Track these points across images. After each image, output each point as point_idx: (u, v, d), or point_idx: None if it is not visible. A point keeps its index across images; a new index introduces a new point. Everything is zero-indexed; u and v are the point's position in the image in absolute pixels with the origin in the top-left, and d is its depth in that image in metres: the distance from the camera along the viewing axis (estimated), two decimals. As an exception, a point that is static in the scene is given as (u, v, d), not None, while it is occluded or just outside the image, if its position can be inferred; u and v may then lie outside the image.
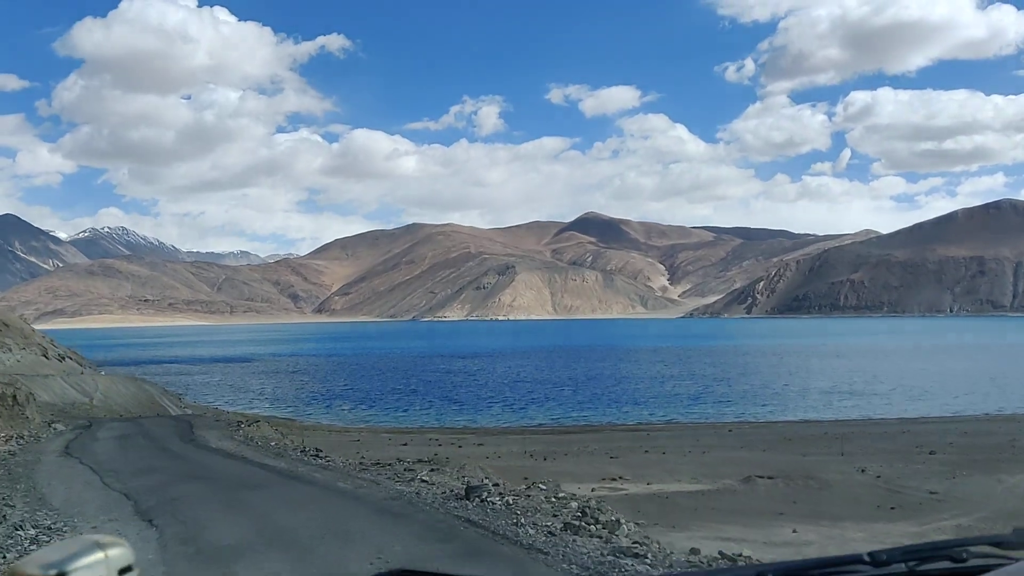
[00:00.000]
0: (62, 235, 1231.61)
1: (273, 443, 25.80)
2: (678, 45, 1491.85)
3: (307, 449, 24.80)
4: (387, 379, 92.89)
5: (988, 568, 2.10)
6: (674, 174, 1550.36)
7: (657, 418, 59.29)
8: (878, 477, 23.76)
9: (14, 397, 27.93)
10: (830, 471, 24.45)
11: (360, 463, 21.66)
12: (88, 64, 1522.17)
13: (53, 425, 29.21)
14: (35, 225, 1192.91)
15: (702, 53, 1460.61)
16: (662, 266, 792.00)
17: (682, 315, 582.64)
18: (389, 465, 21.56)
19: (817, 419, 54.73)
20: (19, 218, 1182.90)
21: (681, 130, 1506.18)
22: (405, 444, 44.04)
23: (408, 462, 22.39)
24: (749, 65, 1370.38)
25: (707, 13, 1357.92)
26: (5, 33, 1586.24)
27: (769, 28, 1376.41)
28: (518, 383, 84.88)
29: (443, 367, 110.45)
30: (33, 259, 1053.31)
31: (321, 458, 22.20)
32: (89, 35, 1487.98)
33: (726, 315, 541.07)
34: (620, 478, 23.81)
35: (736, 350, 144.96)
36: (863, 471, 24.78)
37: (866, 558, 2.13)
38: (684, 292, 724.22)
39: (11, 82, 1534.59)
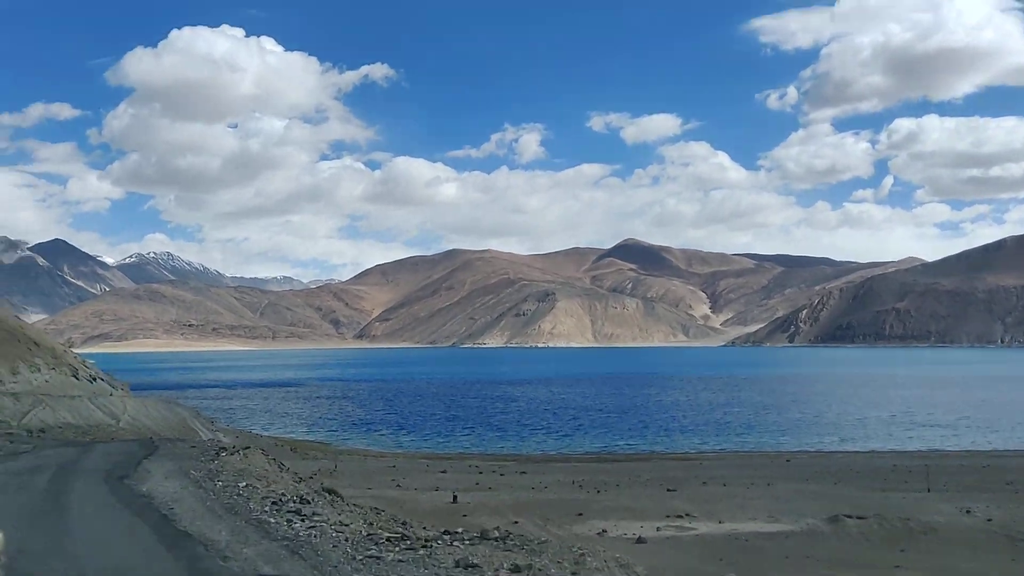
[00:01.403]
0: (109, 260, 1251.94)
1: (244, 484, 16.77)
2: (720, 73, 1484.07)
3: (302, 498, 15.66)
4: (427, 405, 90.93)
5: None
6: (715, 201, 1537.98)
7: (708, 447, 56.71)
8: (989, 520, 20.83)
9: None
10: (927, 511, 21.68)
11: (370, 534, 12.38)
12: (138, 93, 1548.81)
13: None
14: (83, 250, 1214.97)
15: (744, 80, 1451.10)
16: (703, 294, 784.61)
17: (724, 343, 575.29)
18: (428, 544, 11.61)
19: (880, 450, 51.76)
20: (68, 243, 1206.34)
21: (722, 157, 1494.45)
22: (444, 471, 41.85)
23: (461, 536, 12.53)
24: (791, 92, 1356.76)
25: (749, 41, 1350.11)
26: (59, 64, 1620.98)
27: (812, 55, 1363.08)
28: (561, 410, 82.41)
29: (484, 393, 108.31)
30: (81, 283, 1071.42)
31: (306, 518, 13.20)
32: (139, 64, 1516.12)
33: (769, 344, 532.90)
34: (687, 515, 21.33)
35: (783, 378, 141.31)
36: (968, 512, 21.88)
37: None
38: (726, 320, 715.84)
39: (64, 111, 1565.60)
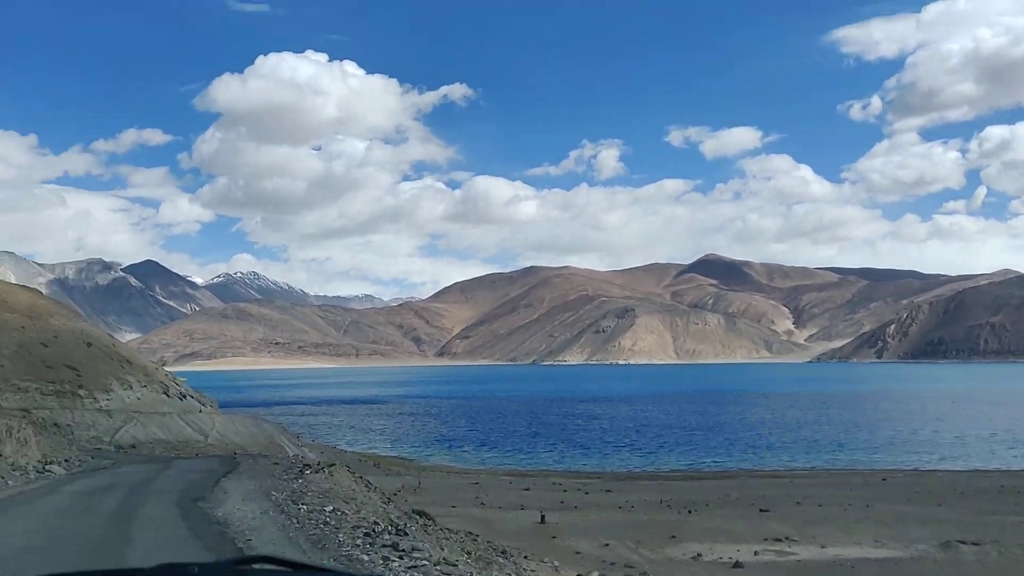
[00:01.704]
0: (199, 280, 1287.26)
1: (331, 509, 14.85)
2: (801, 84, 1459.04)
3: (397, 528, 14.36)
4: (509, 422, 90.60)
5: None
6: (797, 215, 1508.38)
7: (798, 465, 55.10)
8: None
9: (8, 429, 22.16)
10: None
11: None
12: (225, 118, 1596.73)
13: (49, 467, 22.08)
14: (174, 271, 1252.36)
15: (826, 92, 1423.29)
16: (786, 308, 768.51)
17: (809, 359, 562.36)
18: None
19: (984, 469, 49.49)
20: (160, 265, 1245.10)
21: (805, 170, 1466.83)
22: (527, 489, 41.36)
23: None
24: (876, 103, 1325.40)
25: (830, 51, 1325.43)
26: (151, 90, 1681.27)
27: (896, 64, 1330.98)
28: (644, 427, 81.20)
29: (565, 410, 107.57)
30: (172, 303, 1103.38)
31: (404, 555, 11.66)
32: (226, 90, 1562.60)
33: (856, 359, 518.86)
34: (786, 538, 20.39)
35: (873, 395, 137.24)
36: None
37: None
38: (810, 336, 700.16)
39: (156, 136, 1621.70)
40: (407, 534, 13.55)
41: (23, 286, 65.61)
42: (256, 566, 2.52)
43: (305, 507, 15.11)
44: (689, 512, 28.31)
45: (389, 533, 13.40)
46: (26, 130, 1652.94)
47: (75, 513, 14.43)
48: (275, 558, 2.36)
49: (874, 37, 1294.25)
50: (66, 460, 23.94)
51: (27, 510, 14.88)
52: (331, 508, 15.08)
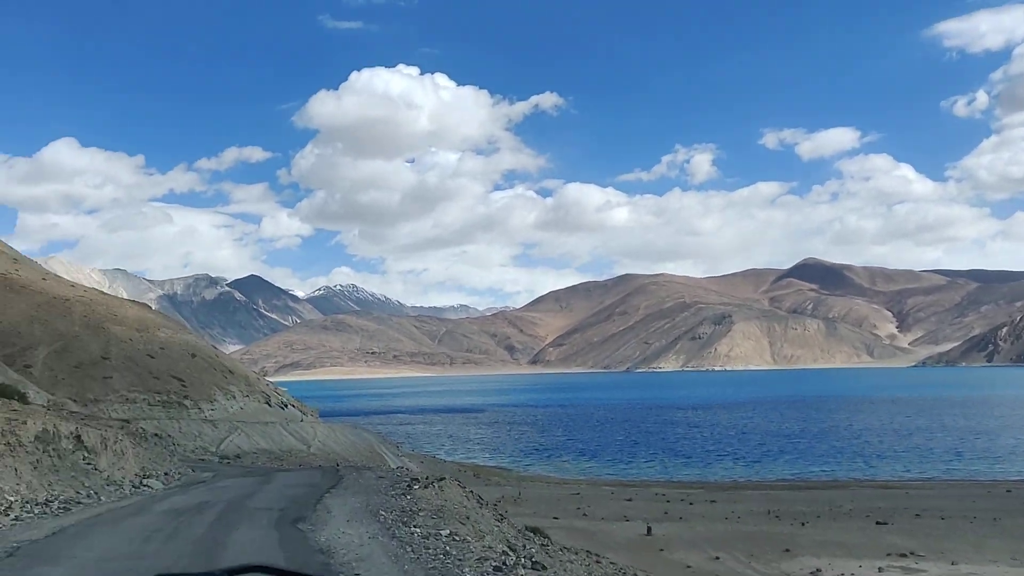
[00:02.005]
0: (299, 293, 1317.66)
1: (447, 534, 13.36)
2: (900, 81, 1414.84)
3: (528, 559, 13.30)
4: (606, 430, 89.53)
5: None
6: (899, 216, 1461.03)
7: (911, 475, 52.78)
8: None
9: (103, 441, 20.58)
10: None
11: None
12: (322, 133, 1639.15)
13: (147, 481, 21.11)
14: (276, 285, 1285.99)
15: (927, 88, 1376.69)
16: (889, 312, 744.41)
17: (913, 364, 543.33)
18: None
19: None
20: (263, 279, 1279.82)
21: (906, 169, 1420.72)
22: (629, 499, 40.52)
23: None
24: (981, 97, 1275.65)
25: (931, 46, 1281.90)
26: (251, 109, 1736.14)
27: (1003, 56, 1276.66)
28: (746, 435, 79.19)
29: (664, 418, 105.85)
30: (274, 316, 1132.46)
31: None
32: (323, 106, 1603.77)
33: (964, 363, 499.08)
34: (911, 553, 19.18)
35: (987, 400, 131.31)
36: None
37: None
38: (915, 340, 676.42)
39: (256, 154, 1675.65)
40: (544, 568, 12.15)
41: (132, 300, 67.78)
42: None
43: (418, 531, 13.63)
44: (802, 524, 27.09)
45: (523, 567, 11.78)
46: (134, 151, 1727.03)
47: (161, 537, 13.20)
48: (270, 567, 2.24)
49: (979, 29, 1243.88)
50: (165, 473, 23.11)
51: (110, 533, 13.46)
52: (447, 532, 13.56)
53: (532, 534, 15.43)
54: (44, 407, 24.73)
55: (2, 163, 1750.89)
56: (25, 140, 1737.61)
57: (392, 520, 14.42)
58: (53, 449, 18.12)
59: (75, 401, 37.02)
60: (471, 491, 19.82)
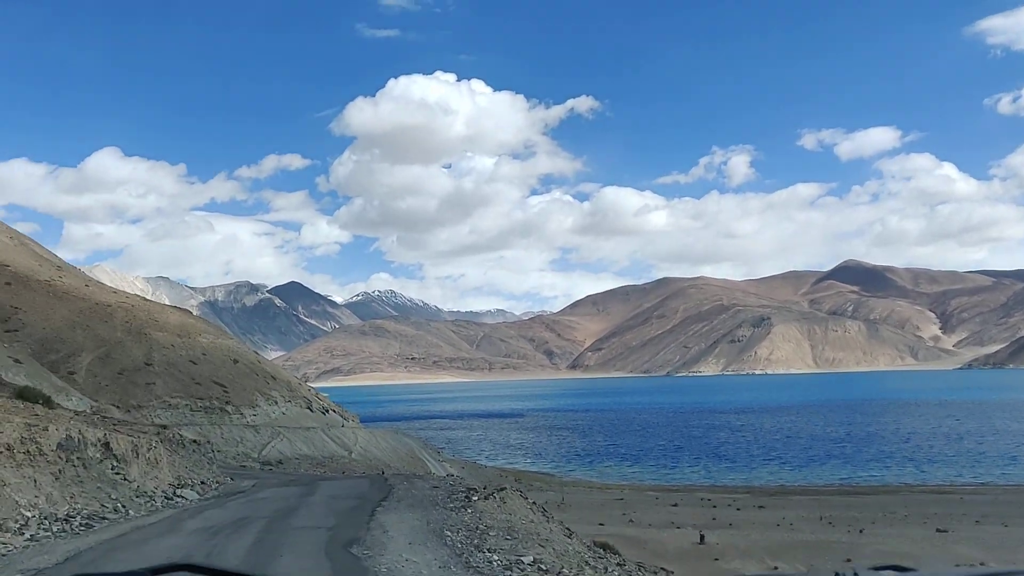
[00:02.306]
0: (339, 299, 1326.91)
1: (531, 561, 11.55)
2: (942, 79, 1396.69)
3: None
4: (648, 435, 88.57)
5: None
6: (942, 216, 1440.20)
7: (964, 479, 51.35)
8: None
9: (134, 449, 18.70)
10: None
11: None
12: (360, 141, 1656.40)
13: (181, 491, 19.50)
14: (316, 291, 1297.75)
15: (970, 86, 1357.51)
16: (932, 314, 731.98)
17: (959, 366, 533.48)
18: None
19: None
20: (303, 285, 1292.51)
21: (949, 168, 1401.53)
22: (675, 505, 39.79)
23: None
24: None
25: (974, 44, 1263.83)
26: (291, 118, 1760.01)
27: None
28: (791, 439, 77.90)
29: (705, 422, 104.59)
30: (314, 322, 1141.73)
31: None
32: (360, 114, 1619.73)
33: (1012, 365, 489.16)
34: (980, 564, 18.27)
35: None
36: None
37: None
38: (959, 341, 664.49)
39: (295, 161, 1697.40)
40: (611, 548, 10.77)
41: (174, 307, 68.16)
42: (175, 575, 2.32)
43: (496, 557, 11.52)
44: (860, 531, 26.22)
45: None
46: (175, 160, 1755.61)
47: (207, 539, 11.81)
48: (195, 565, 2.17)
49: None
50: (202, 482, 21.58)
51: (130, 558, 11.28)
52: (531, 559, 11.49)
53: (602, 551, 14.60)
54: (72, 412, 23.23)
55: (48, 174, 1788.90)
56: (70, 151, 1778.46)
57: (462, 543, 12.47)
58: (78, 458, 16.48)
59: (118, 407, 37.06)
60: (534, 503, 18.24)
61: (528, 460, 67.60)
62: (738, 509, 37.41)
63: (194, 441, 23.80)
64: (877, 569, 2.07)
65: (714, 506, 38.89)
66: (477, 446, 79.25)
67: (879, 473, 54.60)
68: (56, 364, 39.04)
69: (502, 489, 18.32)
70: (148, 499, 17.68)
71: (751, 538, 23.65)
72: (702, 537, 22.94)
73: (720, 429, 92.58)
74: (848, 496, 44.06)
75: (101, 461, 17.36)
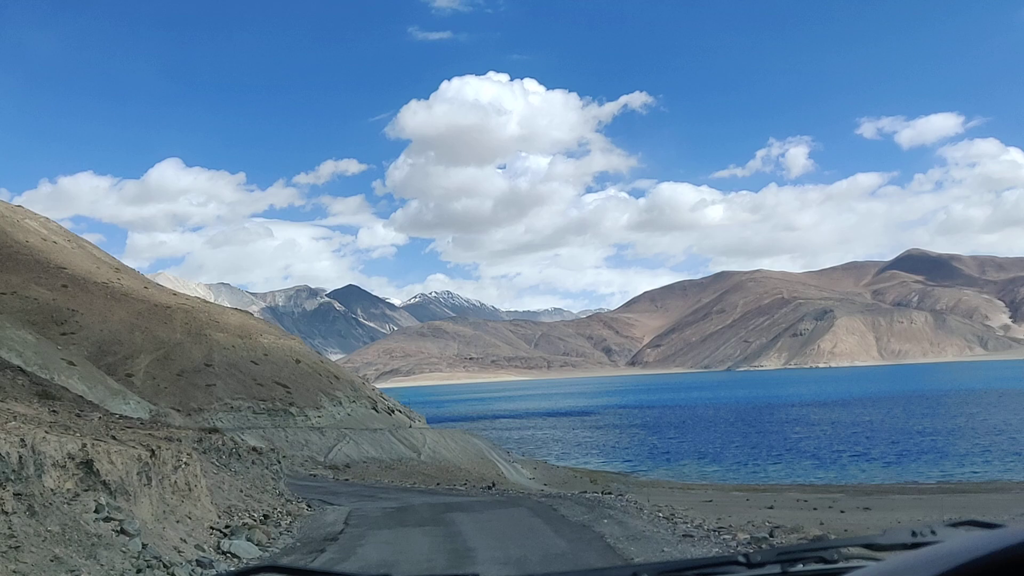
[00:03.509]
0: (396, 302, 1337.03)
1: None
2: (1003, 63, 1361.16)
3: None
4: (720, 431, 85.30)
5: (855, 568, 2.18)
6: (1009, 202, 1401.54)
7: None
8: None
9: (144, 472, 11.77)
10: None
11: None
12: (414, 144, 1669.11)
13: (230, 543, 12.81)
14: (374, 294, 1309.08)
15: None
16: (1001, 302, 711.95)
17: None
18: None
19: None
20: (361, 288, 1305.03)
21: (1015, 153, 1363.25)
22: (770, 507, 36.83)
23: None
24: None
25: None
26: (347, 123, 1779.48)
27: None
28: (874, 433, 74.15)
29: (778, 417, 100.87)
30: (373, 324, 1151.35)
31: None
32: (414, 117, 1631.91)
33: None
34: None
35: None
36: None
37: (741, 559, 2.19)
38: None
39: (352, 166, 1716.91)
40: None
41: (235, 308, 66.88)
42: None
43: None
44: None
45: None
46: (235, 169, 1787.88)
47: None
48: (278, 566, 2.22)
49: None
50: (264, 516, 15.19)
51: None
52: None
53: None
54: (51, 410, 14.86)
55: (113, 186, 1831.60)
56: (133, 163, 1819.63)
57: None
58: (18, 497, 8.69)
59: (178, 410, 35.38)
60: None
61: (600, 459, 64.95)
62: (841, 511, 34.38)
63: (254, 449, 17.35)
64: (956, 525, 2.12)
65: (814, 508, 35.88)
66: (546, 446, 76.80)
67: (981, 469, 50.97)
68: (113, 366, 37.54)
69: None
70: (166, 570, 9.87)
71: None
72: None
73: (795, 424, 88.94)
74: (955, 495, 40.70)
75: (73, 499, 9.77)
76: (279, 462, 16.01)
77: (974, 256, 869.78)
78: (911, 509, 34.05)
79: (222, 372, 42.06)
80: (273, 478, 16.48)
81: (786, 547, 2.20)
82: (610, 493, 29.51)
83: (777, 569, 2.16)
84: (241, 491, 14.86)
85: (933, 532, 2.12)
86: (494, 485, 25.15)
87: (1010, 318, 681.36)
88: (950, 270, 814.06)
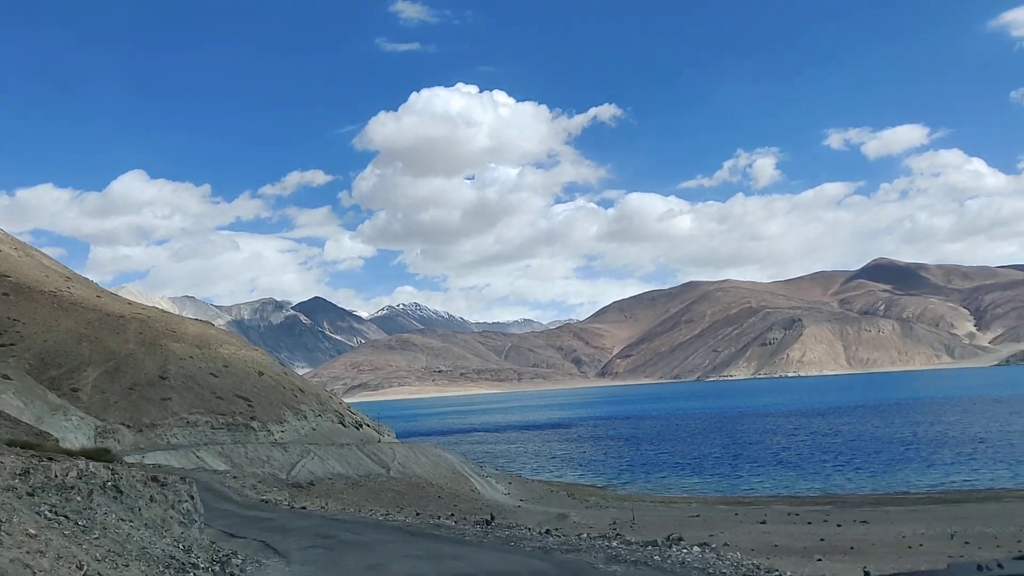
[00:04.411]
0: (364, 314, 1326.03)
1: None
2: (967, 75, 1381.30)
3: None
4: (699, 442, 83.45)
5: None
6: (972, 211, 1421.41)
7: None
8: None
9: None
10: None
11: None
12: (382, 154, 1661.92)
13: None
14: (341, 306, 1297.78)
15: (996, 80, 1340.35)
16: (966, 310, 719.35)
17: (997, 363, 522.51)
18: None
19: None
20: (327, 301, 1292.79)
21: (978, 164, 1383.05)
22: (762, 521, 34.86)
23: None
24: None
25: (998, 37, 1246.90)
26: (313, 135, 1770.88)
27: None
28: (855, 442, 72.67)
29: (756, 427, 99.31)
30: (340, 337, 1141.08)
31: None
32: (382, 128, 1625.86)
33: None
34: None
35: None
36: None
37: None
38: (995, 338, 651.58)
39: (318, 177, 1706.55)
40: None
41: (194, 319, 63.96)
42: None
43: None
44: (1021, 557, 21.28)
45: None
46: (200, 180, 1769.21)
47: None
48: None
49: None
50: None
51: None
52: None
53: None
54: None
55: (74, 198, 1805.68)
56: (95, 175, 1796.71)
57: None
58: None
59: (128, 427, 32.75)
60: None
61: (576, 472, 62.82)
62: (838, 525, 32.49)
63: (154, 480, 11.20)
64: (1020, 559, 2.03)
65: (808, 522, 33.98)
66: (519, 459, 74.52)
67: (969, 477, 49.40)
68: (57, 380, 34.81)
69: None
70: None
71: (905, 566, 18.87)
72: (867, 574, 18.12)
73: (773, 434, 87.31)
74: (949, 505, 38.93)
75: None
76: (192, 497, 10.86)
77: (940, 265, 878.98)
78: (910, 522, 32.24)
79: (178, 385, 39.40)
80: (182, 522, 11.12)
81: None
82: (656, 544, 23.35)
83: None
84: (90, 558, 8.07)
85: (1000, 565, 2.12)
86: (492, 519, 19.34)
87: (975, 326, 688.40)
88: (916, 279, 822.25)
